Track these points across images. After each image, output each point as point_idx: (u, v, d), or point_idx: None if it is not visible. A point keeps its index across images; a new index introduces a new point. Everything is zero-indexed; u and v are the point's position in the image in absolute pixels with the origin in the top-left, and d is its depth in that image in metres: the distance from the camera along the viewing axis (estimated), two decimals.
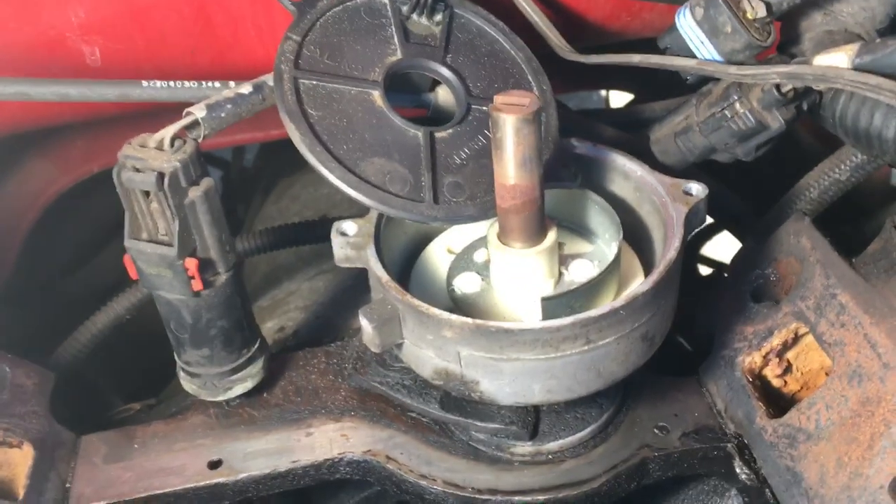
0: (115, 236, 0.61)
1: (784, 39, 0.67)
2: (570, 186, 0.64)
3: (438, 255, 0.66)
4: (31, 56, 0.68)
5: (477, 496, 0.61)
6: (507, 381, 0.56)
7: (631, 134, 0.74)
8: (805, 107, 0.63)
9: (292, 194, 1.16)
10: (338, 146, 0.56)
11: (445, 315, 0.55)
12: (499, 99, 0.54)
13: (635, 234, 0.65)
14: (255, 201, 1.24)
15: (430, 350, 0.57)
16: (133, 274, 0.59)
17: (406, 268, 0.66)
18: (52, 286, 1.01)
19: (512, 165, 0.54)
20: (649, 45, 0.69)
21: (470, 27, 0.64)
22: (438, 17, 0.63)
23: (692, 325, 0.71)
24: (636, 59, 0.66)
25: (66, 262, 1.04)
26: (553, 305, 0.56)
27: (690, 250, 1.09)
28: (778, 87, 0.61)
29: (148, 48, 0.70)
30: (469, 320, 0.54)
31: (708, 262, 1.20)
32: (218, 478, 0.63)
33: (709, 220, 1.09)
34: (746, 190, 0.83)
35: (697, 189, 0.62)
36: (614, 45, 0.74)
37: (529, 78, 0.63)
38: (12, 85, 0.61)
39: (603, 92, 1.15)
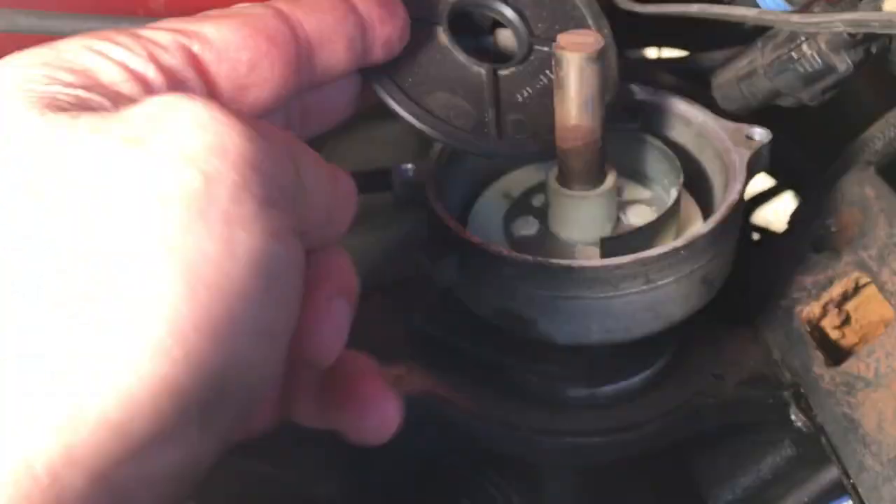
0: None
1: None
2: (630, 131, 0.64)
3: (496, 200, 0.67)
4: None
5: (531, 436, 0.62)
6: (564, 319, 0.57)
7: (692, 80, 0.73)
8: (874, 50, 0.62)
9: (340, 154, 1.16)
10: (402, 79, 0.56)
11: (505, 252, 0.55)
12: (562, 38, 0.54)
13: (695, 181, 0.64)
14: None
15: (489, 288, 0.58)
16: None
17: (464, 213, 0.66)
18: None
19: (574, 105, 0.55)
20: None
21: None
22: None
23: (750, 275, 0.71)
24: (694, 8, 0.65)
25: None
26: (612, 246, 0.56)
27: (746, 211, 1.07)
28: None
29: None
30: (529, 257, 0.55)
31: (761, 230, 1.19)
32: None
33: (768, 182, 1.07)
34: (807, 145, 0.82)
35: (761, 133, 0.61)
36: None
37: (590, 21, 0.63)
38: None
39: (655, 51, 1.13)
